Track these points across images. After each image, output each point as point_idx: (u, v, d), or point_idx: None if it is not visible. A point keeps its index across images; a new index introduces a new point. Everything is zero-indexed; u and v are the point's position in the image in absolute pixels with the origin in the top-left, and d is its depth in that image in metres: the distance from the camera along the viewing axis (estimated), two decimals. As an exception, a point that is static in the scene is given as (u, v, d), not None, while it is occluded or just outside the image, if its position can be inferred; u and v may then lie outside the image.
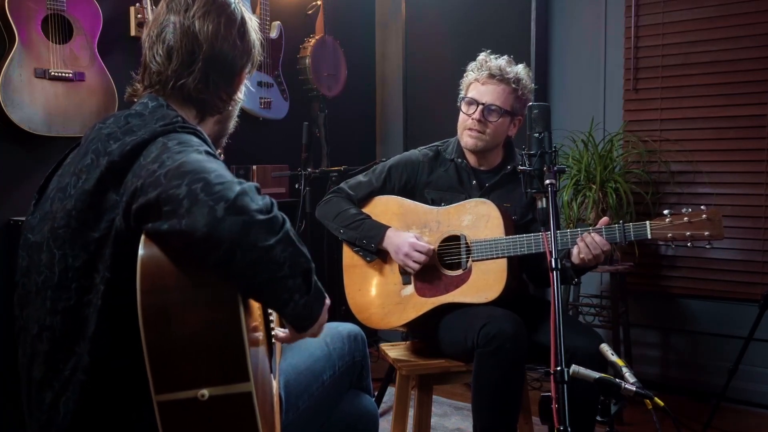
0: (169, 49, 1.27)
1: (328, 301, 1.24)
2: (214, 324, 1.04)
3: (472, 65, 2.31)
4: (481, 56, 2.29)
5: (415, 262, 2.18)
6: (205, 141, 1.21)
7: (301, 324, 1.18)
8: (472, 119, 2.23)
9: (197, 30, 1.26)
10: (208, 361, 1.03)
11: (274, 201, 1.11)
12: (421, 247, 2.18)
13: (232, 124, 1.44)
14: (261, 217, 1.05)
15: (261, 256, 1.04)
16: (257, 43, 1.37)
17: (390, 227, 2.26)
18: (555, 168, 1.59)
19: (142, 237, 1.06)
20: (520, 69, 2.27)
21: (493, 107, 2.22)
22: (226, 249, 1.01)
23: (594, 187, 3.08)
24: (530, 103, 1.65)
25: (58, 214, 1.17)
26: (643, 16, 3.32)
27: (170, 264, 1.04)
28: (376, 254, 2.28)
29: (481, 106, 2.23)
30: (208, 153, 1.14)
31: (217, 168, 1.07)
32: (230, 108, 1.39)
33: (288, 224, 1.11)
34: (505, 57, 2.29)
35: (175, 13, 1.28)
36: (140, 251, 1.05)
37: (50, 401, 1.16)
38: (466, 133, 2.26)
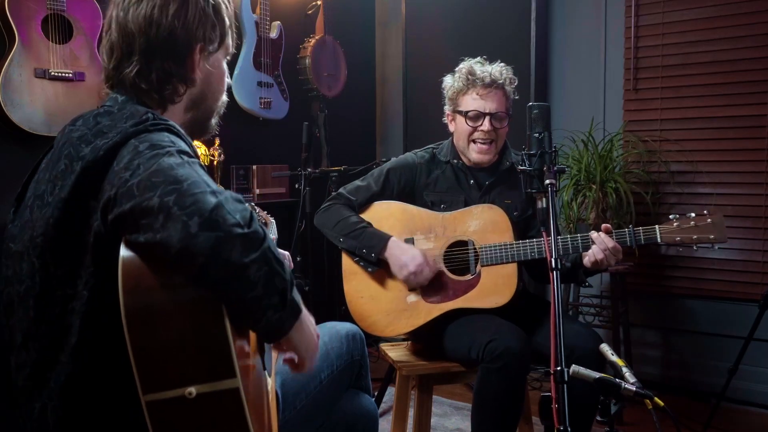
0: (111, 45, 1.24)
1: (304, 311, 1.18)
2: (197, 322, 1.04)
3: (456, 76, 2.28)
4: (467, 65, 2.27)
5: (419, 283, 2.17)
6: (178, 135, 1.15)
7: (272, 338, 1.15)
8: (480, 131, 2.22)
9: (129, 20, 1.22)
10: (194, 359, 1.03)
11: (253, 213, 1.06)
12: (428, 273, 2.16)
13: (218, 105, 1.35)
14: (238, 231, 1.01)
15: (234, 274, 1.01)
16: (214, 16, 1.26)
17: (392, 237, 2.22)
18: (555, 168, 1.59)
19: (124, 238, 1.05)
20: (504, 68, 2.27)
21: (499, 114, 2.23)
22: (200, 264, 0.99)
23: (594, 187, 3.09)
24: (530, 103, 1.65)
25: (37, 223, 1.14)
26: (643, 16, 3.32)
27: (152, 264, 1.04)
28: (377, 264, 2.24)
29: (488, 117, 2.21)
30: (181, 153, 1.08)
31: (189, 175, 1.03)
32: (196, 90, 1.29)
33: (268, 240, 1.06)
34: (479, 58, 2.29)
35: (114, 6, 1.24)
36: (122, 252, 1.04)
37: (39, 411, 1.14)
38: (474, 147, 2.25)
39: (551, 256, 1.48)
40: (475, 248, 2.19)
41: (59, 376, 1.11)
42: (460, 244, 2.22)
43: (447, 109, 2.35)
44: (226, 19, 1.30)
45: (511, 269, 2.13)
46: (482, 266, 2.16)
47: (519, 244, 2.11)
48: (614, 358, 1.52)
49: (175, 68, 1.25)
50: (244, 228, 1.02)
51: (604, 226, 2.02)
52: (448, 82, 2.32)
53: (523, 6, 3.49)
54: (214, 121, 1.37)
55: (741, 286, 3.13)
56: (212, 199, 1.01)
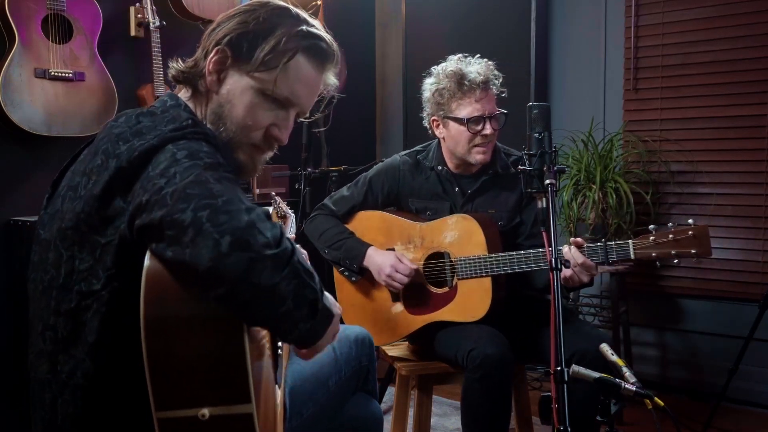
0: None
1: (337, 311, 1.18)
2: (217, 343, 1.03)
3: (443, 79, 2.19)
4: (453, 67, 2.18)
5: (397, 282, 2.17)
6: (216, 147, 1.14)
7: (305, 345, 1.14)
8: (483, 135, 2.15)
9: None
10: (210, 380, 1.02)
11: (283, 230, 1.05)
12: (402, 269, 2.16)
13: (239, 138, 1.26)
14: (268, 252, 0.99)
15: (264, 294, 0.99)
16: (254, 35, 1.23)
17: (371, 246, 2.24)
18: (555, 168, 1.59)
19: (149, 248, 1.04)
20: (487, 64, 2.20)
21: (496, 114, 2.18)
22: (228, 286, 0.98)
23: (594, 187, 3.09)
24: (530, 103, 1.65)
25: (67, 215, 1.15)
26: (643, 16, 3.32)
27: (176, 280, 1.02)
28: (359, 273, 2.27)
29: (487, 120, 2.16)
30: (218, 166, 1.06)
31: (224, 191, 1.01)
32: (215, 102, 1.25)
33: (296, 255, 1.04)
34: (458, 56, 2.22)
35: None
36: (146, 262, 1.03)
37: (49, 402, 1.15)
38: (477, 150, 2.18)
39: (551, 256, 1.48)
40: (451, 260, 2.18)
41: (73, 371, 1.12)
42: (439, 256, 2.21)
43: (431, 113, 2.24)
44: (274, 55, 1.23)
45: (486, 284, 2.09)
46: (459, 279, 2.14)
47: (494, 257, 2.07)
48: (614, 358, 1.52)
49: (202, 60, 1.25)
50: (274, 248, 1.00)
51: (573, 240, 1.93)
52: (432, 86, 2.22)
53: (523, 6, 3.49)
54: (242, 157, 1.29)
55: (741, 286, 3.13)
56: (245, 217, 0.99)
